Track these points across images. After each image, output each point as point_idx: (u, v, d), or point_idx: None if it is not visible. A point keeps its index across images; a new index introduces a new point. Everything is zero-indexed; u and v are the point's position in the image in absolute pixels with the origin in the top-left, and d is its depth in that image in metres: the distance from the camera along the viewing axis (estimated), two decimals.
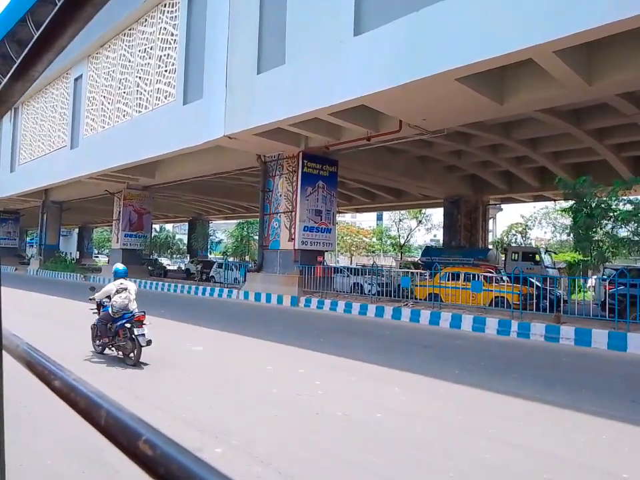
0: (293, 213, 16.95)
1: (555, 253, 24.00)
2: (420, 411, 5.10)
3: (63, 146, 26.43)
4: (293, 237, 16.88)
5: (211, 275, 22.57)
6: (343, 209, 34.70)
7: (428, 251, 27.21)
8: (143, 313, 6.58)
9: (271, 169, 18.05)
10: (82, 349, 7.09)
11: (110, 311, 6.61)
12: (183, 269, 25.32)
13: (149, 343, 6.35)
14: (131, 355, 6.43)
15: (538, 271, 19.65)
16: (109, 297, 6.82)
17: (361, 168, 20.05)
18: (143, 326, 6.46)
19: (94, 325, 6.94)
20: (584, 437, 4.46)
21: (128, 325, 6.43)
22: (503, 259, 24.97)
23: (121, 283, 6.79)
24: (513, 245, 37.10)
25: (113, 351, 6.81)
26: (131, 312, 6.55)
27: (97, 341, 6.94)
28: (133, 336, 6.34)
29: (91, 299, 7.25)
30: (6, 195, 32.97)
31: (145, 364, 6.48)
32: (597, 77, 10.34)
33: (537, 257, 21.60)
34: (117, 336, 6.56)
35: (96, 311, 7.20)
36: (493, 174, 24.13)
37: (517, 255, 22.40)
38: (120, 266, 7.19)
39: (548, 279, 13.33)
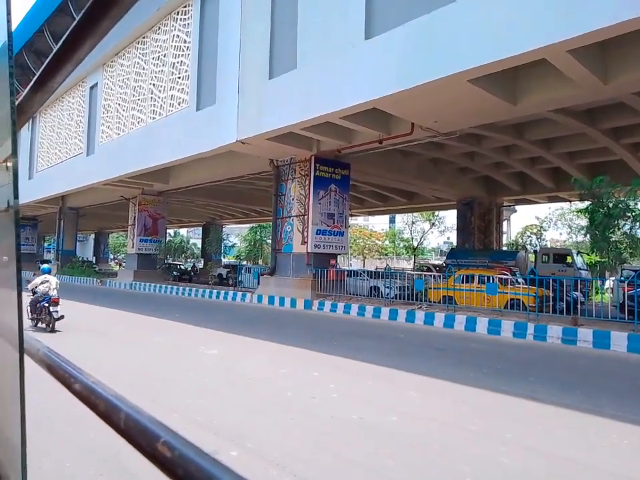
0: (306, 217, 16.98)
1: (587, 254, 22.85)
2: (435, 414, 5.06)
3: (79, 153, 26.89)
4: (305, 240, 16.91)
5: (239, 279, 22.65)
6: (356, 212, 34.67)
7: (454, 253, 25.76)
8: (57, 297, 9.49)
9: (283, 173, 18.13)
10: None
11: (37, 296, 9.57)
12: (216, 274, 25.75)
13: (61, 317, 9.38)
14: (50, 324, 9.45)
15: (571, 273, 18.22)
16: (37, 286, 9.67)
17: (373, 171, 20.01)
18: (57, 306, 9.39)
19: (27, 305, 9.67)
20: (605, 441, 4.37)
21: (46, 305, 9.42)
22: (533, 261, 23.43)
23: (45, 277, 9.76)
24: (528, 246, 36.60)
25: (41, 324, 9.75)
26: (50, 296, 9.44)
27: (30, 316, 9.75)
28: (50, 312, 9.37)
29: (26, 288, 9.65)
30: (24, 202, 33.61)
31: (59, 331, 9.45)
32: (612, 76, 10.19)
33: (569, 259, 20.72)
34: (41, 312, 9.59)
35: (32, 295, 9.80)
36: (507, 175, 23.89)
37: (547, 256, 21.01)
38: (45, 266, 10.68)
39: (565, 281, 13.07)
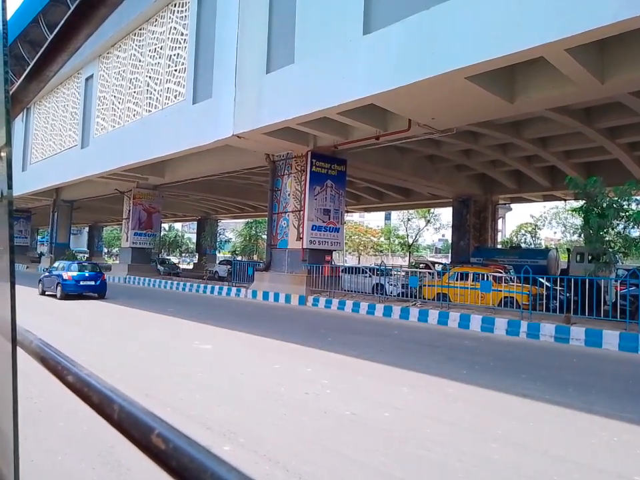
0: (301, 212, 16.97)
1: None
2: (428, 410, 5.09)
3: (73, 145, 26.70)
4: (301, 236, 16.90)
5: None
6: (352, 208, 34.67)
7: (480, 251, 24.49)
8: None
9: (279, 168, 18.08)
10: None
11: None
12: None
13: None
14: None
15: (608, 274, 16.68)
16: None
17: (370, 167, 20.01)
18: None
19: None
20: (595, 439, 4.41)
21: None
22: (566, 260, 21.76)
23: None
24: (522, 244, 36.75)
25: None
26: None
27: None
28: None
29: None
30: (17, 194, 33.34)
31: None
32: (609, 75, 10.22)
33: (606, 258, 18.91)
34: None
35: None
36: (503, 173, 23.96)
37: (581, 256, 19.25)
38: None
39: (558, 279, 13.13)
